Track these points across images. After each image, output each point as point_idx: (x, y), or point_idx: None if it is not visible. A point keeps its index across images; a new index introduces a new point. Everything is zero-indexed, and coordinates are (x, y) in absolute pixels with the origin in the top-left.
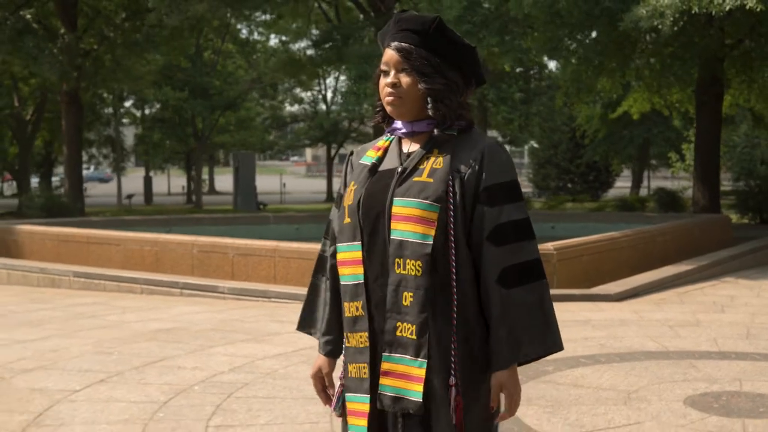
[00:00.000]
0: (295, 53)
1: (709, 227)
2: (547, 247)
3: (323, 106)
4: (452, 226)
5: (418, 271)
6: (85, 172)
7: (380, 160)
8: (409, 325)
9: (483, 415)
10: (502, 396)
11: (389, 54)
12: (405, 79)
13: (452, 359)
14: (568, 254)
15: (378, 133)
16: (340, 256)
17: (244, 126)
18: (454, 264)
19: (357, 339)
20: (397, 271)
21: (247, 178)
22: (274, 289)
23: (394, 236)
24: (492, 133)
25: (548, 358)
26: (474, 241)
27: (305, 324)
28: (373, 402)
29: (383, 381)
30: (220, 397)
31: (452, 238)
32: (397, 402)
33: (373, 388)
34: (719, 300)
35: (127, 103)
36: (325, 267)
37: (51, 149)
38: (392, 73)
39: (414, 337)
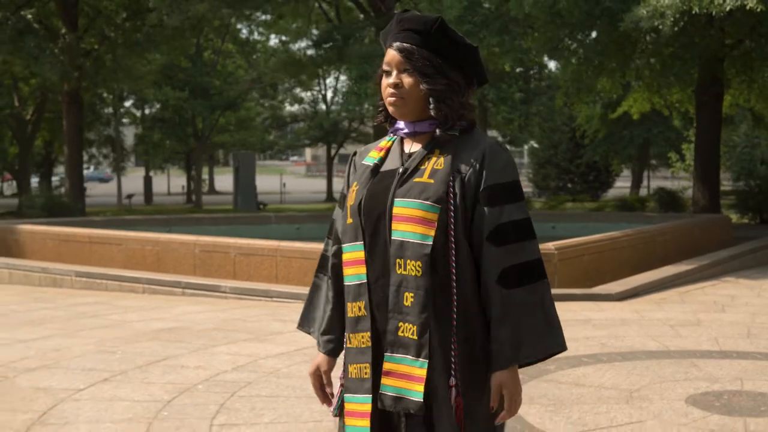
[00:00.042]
0: (295, 53)
1: (710, 227)
2: (548, 246)
3: (323, 106)
4: (452, 226)
5: (418, 271)
6: (85, 172)
7: (382, 160)
8: (411, 325)
9: (486, 415)
10: (504, 396)
11: (391, 54)
12: (407, 80)
13: (452, 359)
14: (569, 254)
15: (379, 133)
16: (344, 257)
17: (244, 126)
18: (454, 264)
19: (359, 339)
20: (399, 272)
21: (247, 178)
22: (276, 289)
23: (395, 237)
24: (492, 133)
25: None
26: (475, 241)
27: (306, 323)
28: (375, 402)
29: (385, 381)
30: (224, 396)
31: (452, 239)
32: (399, 402)
33: (375, 389)
34: (720, 300)
35: (127, 103)
36: (326, 266)
37: (51, 149)
38: (394, 73)
39: (415, 337)
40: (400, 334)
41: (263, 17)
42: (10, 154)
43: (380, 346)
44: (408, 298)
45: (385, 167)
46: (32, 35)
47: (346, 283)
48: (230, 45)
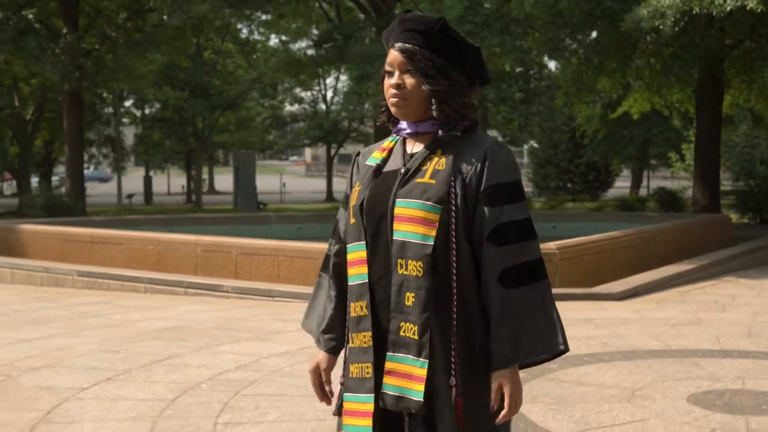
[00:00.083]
0: (295, 53)
1: (710, 227)
2: (549, 246)
3: (323, 106)
4: (454, 227)
5: (419, 271)
6: (84, 172)
7: (385, 161)
8: (412, 325)
9: (487, 415)
10: (504, 395)
11: (393, 55)
12: (409, 80)
13: (453, 359)
14: (570, 254)
15: (379, 133)
16: (348, 257)
17: (244, 126)
18: (454, 264)
19: (361, 339)
20: (400, 272)
21: (248, 177)
22: (278, 288)
23: (397, 237)
24: (492, 133)
25: None
26: (475, 241)
27: (309, 322)
28: (377, 401)
29: (387, 380)
30: (228, 394)
31: (453, 239)
32: (400, 401)
33: (377, 388)
34: (720, 299)
35: (127, 103)
36: (329, 265)
37: (51, 149)
38: (396, 74)
39: (416, 337)
40: (401, 333)
41: (263, 17)
42: (10, 154)
43: (382, 346)
44: (409, 298)
45: (388, 168)
46: (33, 35)
47: (349, 283)
48: (230, 45)
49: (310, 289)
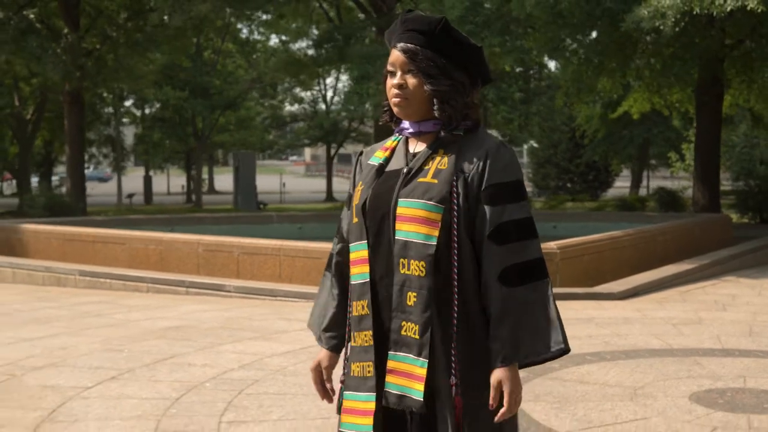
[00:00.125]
0: (295, 53)
1: (710, 227)
2: (550, 246)
3: (323, 106)
4: (456, 226)
5: (422, 271)
6: (84, 172)
7: (387, 160)
8: (413, 324)
9: (489, 415)
10: (504, 393)
11: (395, 55)
12: (411, 81)
13: (453, 359)
14: (570, 253)
15: (379, 132)
16: (351, 256)
17: (244, 125)
18: (456, 264)
19: (362, 338)
20: (402, 271)
21: (248, 177)
22: (280, 288)
23: (399, 237)
24: (492, 133)
25: None
26: (477, 240)
27: (311, 320)
28: (378, 400)
29: (389, 379)
30: (231, 393)
31: (455, 239)
32: (402, 400)
33: (378, 387)
34: (721, 299)
35: (127, 103)
36: (332, 264)
37: (51, 149)
38: (398, 74)
39: (417, 336)
40: (402, 333)
41: (264, 17)
42: (10, 154)
43: (383, 345)
44: (411, 298)
45: (390, 167)
46: (35, 35)
47: (351, 282)
48: (230, 45)
49: (312, 289)
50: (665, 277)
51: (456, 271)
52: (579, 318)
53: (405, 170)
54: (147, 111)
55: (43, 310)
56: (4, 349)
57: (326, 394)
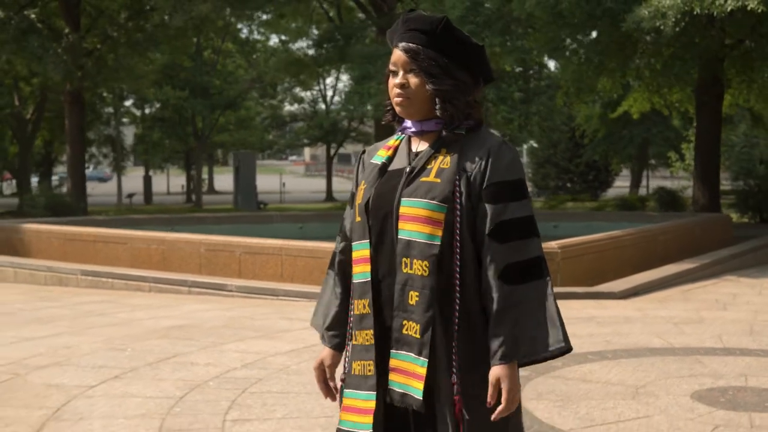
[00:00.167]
0: (294, 52)
1: (710, 226)
2: (551, 245)
3: (322, 106)
4: (458, 226)
5: (425, 271)
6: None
7: (390, 159)
8: (414, 323)
9: (490, 414)
10: (502, 391)
11: (397, 54)
12: (413, 80)
13: (453, 358)
14: (571, 253)
15: (380, 132)
16: (353, 255)
17: (244, 125)
18: (458, 263)
19: (363, 336)
20: (404, 271)
21: (248, 177)
22: (282, 287)
23: (402, 236)
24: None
25: None
26: (479, 239)
27: (314, 318)
28: (378, 400)
29: (392, 377)
30: (235, 392)
31: (458, 238)
32: (404, 397)
33: (379, 386)
34: (721, 298)
35: (127, 103)
36: (335, 263)
37: (51, 149)
38: (400, 73)
39: (418, 336)
40: (404, 331)
41: (264, 17)
42: (10, 154)
43: (385, 343)
44: (413, 297)
45: (393, 166)
46: (36, 35)
47: (353, 281)
48: (230, 44)
49: (314, 288)
50: (666, 276)
51: (458, 270)
52: (580, 317)
53: (407, 169)
54: (147, 111)
55: (45, 309)
56: (7, 348)
57: (329, 392)
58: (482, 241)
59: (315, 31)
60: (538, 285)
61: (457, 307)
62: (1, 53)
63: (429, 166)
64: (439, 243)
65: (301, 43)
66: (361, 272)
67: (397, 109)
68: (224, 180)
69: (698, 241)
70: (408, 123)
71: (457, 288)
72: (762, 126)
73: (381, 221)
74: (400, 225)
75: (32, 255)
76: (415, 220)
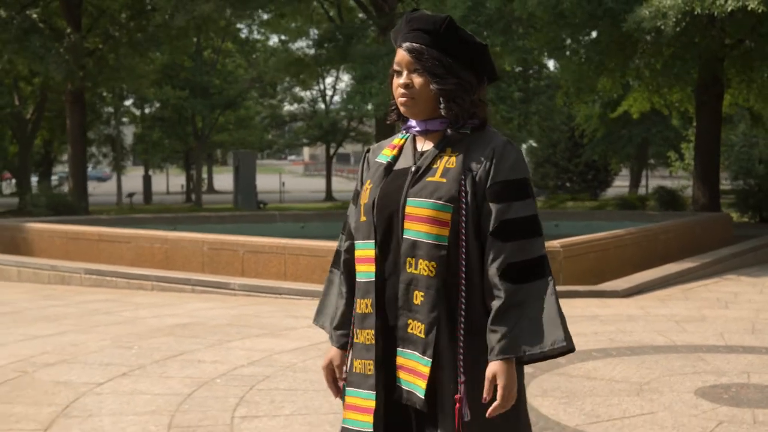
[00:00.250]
0: (294, 52)
1: (711, 225)
2: (553, 244)
3: (322, 105)
4: (464, 225)
5: (431, 271)
6: None
7: (395, 158)
8: (419, 323)
9: (504, 413)
10: (497, 387)
11: (401, 54)
12: (417, 80)
13: (458, 358)
14: (573, 252)
15: (381, 131)
16: (356, 254)
17: (243, 125)
18: (464, 264)
19: (365, 335)
20: (409, 270)
21: (248, 177)
22: (285, 286)
23: (407, 236)
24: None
25: None
26: (483, 238)
27: (320, 317)
28: (379, 399)
29: (399, 375)
30: (243, 389)
31: (463, 238)
32: (410, 395)
33: (379, 385)
34: (723, 296)
35: (127, 102)
36: (339, 262)
37: (50, 148)
38: (405, 73)
39: (422, 335)
40: (409, 330)
41: (264, 16)
42: (9, 153)
43: (389, 341)
44: (418, 297)
45: (398, 166)
46: (37, 35)
47: (357, 280)
48: (230, 44)
49: (317, 287)
50: (668, 275)
51: (464, 271)
52: (584, 315)
53: (413, 169)
54: (147, 110)
55: (50, 308)
56: (15, 346)
57: (339, 392)
58: (486, 239)
59: (315, 31)
60: (540, 284)
61: (463, 308)
62: (3, 53)
63: (434, 166)
64: (446, 244)
65: (301, 43)
66: (365, 271)
67: (402, 109)
68: (223, 179)
69: (699, 240)
70: (412, 122)
71: (463, 288)
72: (761, 126)
73: (386, 221)
74: (406, 225)
75: (35, 254)
76: (421, 220)
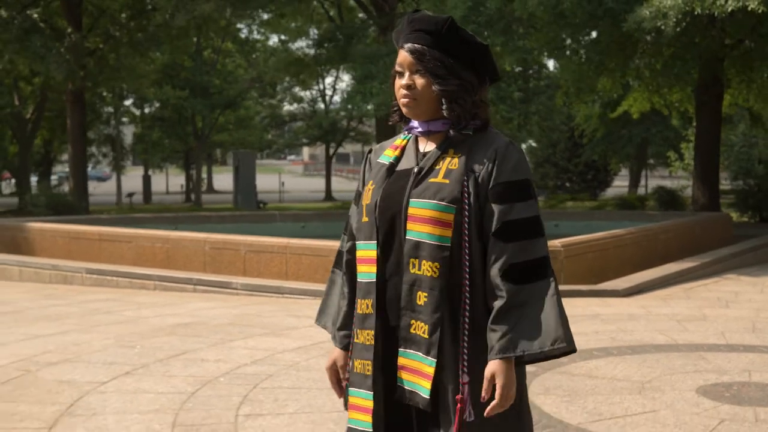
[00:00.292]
0: (294, 52)
1: (711, 225)
2: (554, 244)
3: (322, 105)
4: (467, 226)
5: (435, 272)
6: None
7: (397, 159)
8: (423, 324)
9: (503, 413)
10: (496, 386)
11: (403, 55)
12: (419, 81)
13: (461, 358)
14: (574, 251)
15: (381, 131)
16: (358, 254)
17: (243, 125)
18: (467, 264)
19: (365, 336)
20: (412, 271)
21: (248, 176)
22: (287, 285)
23: (410, 237)
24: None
25: None
26: (486, 239)
27: (322, 318)
28: (378, 399)
29: (401, 375)
30: (246, 388)
31: (466, 239)
32: (413, 395)
33: (377, 385)
34: (723, 296)
35: (127, 102)
36: (341, 262)
37: (50, 148)
38: (407, 74)
39: (426, 336)
40: (411, 331)
41: (264, 16)
42: (9, 153)
43: (389, 342)
44: (421, 297)
45: (401, 166)
46: (38, 34)
47: (358, 280)
48: (230, 44)
49: (319, 286)
50: (668, 274)
51: (468, 272)
52: (585, 314)
53: (416, 170)
54: (146, 110)
55: (52, 307)
56: (17, 345)
57: (342, 392)
58: (488, 239)
59: (315, 31)
60: (541, 285)
61: (467, 308)
62: (4, 53)
63: (437, 167)
64: (449, 245)
65: (301, 43)
66: (367, 272)
67: (404, 110)
68: (223, 179)
69: (699, 240)
70: (414, 123)
71: (467, 289)
72: (761, 126)
73: (389, 221)
74: (409, 225)
75: (36, 253)
76: (423, 221)
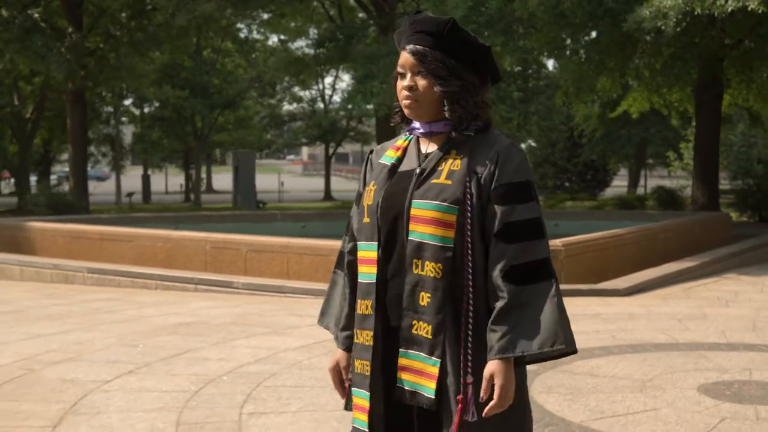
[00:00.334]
0: (294, 52)
1: (710, 225)
2: (555, 243)
3: (321, 105)
4: (469, 227)
5: (438, 273)
6: None
7: (399, 160)
8: (426, 324)
9: (500, 416)
10: (495, 386)
11: (405, 57)
12: (421, 82)
13: (463, 359)
14: (574, 251)
15: (381, 131)
16: (359, 255)
17: (243, 125)
18: (470, 265)
19: (364, 336)
20: (415, 272)
21: (247, 176)
22: (288, 284)
23: (413, 237)
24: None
25: None
26: (488, 240)
27: (324, 318)
28: (377, 399)
29: (402, 376)
30: (249, 386)
31: (469, 240)
32: (414, 396)
33: (377, 385)
34: (723, 295)
35: (127, 102)
36: (343, 263)
37: (50, 148)
38: (408, 75)
39: (429, 336)
40: (414, 331)
41: (264, 16)
42: (9, 153)
43: (389, 342)
44: (424, 298)
45: (403, 167)
46: (39, 34)
47: (358, 280)
48: (229, 44)
49: (320, 286)
50: (668, 274)
51: (470, 272)
52: (585, 314)
53: (418, 171)
54: (146, 110)
55: (54, 307)
56: (19, 344)
57: (345, 393)
58: (490, 240)
59: (314, 31)
60: (543, 286)
61: (471, 309)
62: (5, 52)
63: (439, 168)
64: (451, 245)
65: (301, 43)
66: (367, 273)
67: (406, 111)
68: (222, 179)
69: (698, 239)
70: (416, 124)
71: (470, 290)
72: (760, 125)
73: (391, 222)
74: (411, 227)
75: (37, 253)
76: (426, 222)
